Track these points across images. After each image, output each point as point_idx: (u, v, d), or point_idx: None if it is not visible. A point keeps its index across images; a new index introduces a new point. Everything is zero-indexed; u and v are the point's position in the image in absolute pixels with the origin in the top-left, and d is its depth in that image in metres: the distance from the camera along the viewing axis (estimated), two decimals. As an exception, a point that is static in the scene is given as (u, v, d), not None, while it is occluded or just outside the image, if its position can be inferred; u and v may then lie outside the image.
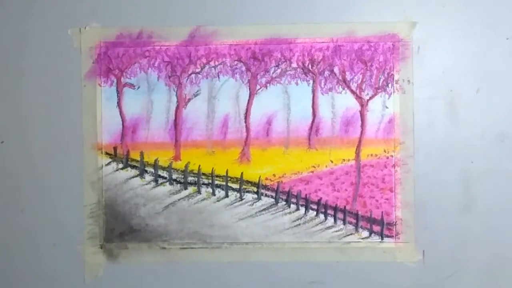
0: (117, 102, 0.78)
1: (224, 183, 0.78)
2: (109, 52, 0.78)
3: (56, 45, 0.78)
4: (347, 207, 0.77)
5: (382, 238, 0.77)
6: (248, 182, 0.78)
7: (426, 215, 0.76)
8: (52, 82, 0.78)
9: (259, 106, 0.77)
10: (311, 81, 0.77)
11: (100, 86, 0.78)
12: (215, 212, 0.78)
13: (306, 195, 0.78)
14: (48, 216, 0.78)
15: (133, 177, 0.79)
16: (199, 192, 0.78)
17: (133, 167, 0.79)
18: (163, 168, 0.78)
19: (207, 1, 0.77)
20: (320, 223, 0.78)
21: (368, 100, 0.77)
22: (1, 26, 0.78)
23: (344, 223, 0.77)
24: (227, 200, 0.78)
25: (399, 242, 0.77)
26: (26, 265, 0.79)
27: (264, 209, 0.78)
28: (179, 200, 0.78)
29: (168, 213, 0.78)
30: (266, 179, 0.78)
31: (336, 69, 0.77)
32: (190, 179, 0.78)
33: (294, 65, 0.77)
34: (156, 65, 0.78)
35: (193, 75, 0.78)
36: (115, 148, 0.79)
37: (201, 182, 0.78)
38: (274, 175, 0.78)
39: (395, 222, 0.77)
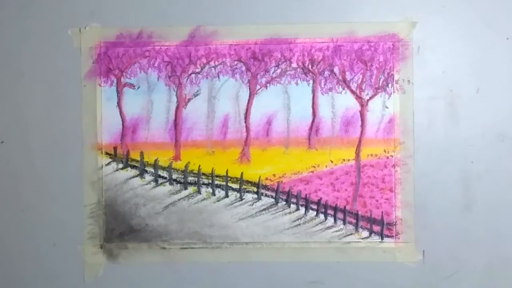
0: (117, 102, 0.78)
1: (224, 183, 0.78)
2: (109, 52, 0.78)
3: (56, 45, 0.78)
4: (347, 207, 0.77)
5: (382, 238, 0.77)
6: (248, 182, 0.78)
7: (426, 215, 0.76)
8: (52, 82, 0.78)
9: (259, 106, 0.77)
10: (311, 81, 0.77)
11: (100, 86, 0.78)
12: (215, 212, 0.78)
13: (306, 195, 0.78)
14: (48, 216, 0.78)
15: (133, 177, 0.79)
16: (199, 192, 0.78)
17: (133, 167, 0.79)
18: (163, 168, 0.78)
19: (207, 1, 0.77)
20: (320, 223, 0.78)
21: (368, 100, 0.77)
22: (1, 26, 0.78)
23: (344, 223, 0.77)
24: (227, 200, 0.78)
25: (399, 242, 0.77)
26: (26, 265, 0.79)
27: (264, 209, 0.78)
28: (179, 200, 0.78)
29: (168, 213, 0.78)
30: (266, 179, 0.78)
31: (336, 69, 0.77)
32: (190, 179, 0.78)
33: (294, 65, 0.77)
34: (156, 65, 0.78)
35: (193, 75, 0.78)
36: (115, 148, 0.79)
37: (201, 182, 0.78)
38: (274, 175, 0.78)
39: (395, 222, 0.77)
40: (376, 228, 0.77)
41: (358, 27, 0.76)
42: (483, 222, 0.76)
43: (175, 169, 0.78)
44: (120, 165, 0.79)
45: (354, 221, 0.77)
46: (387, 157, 0.77)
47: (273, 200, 0.78)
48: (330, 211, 0.77)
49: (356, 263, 0.77)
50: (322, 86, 0.77)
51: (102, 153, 0.78)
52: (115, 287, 0.79)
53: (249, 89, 0.78)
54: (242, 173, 0.78)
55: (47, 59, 0.78)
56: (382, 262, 0.77)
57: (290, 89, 0.77)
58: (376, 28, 0.76)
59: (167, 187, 0.79)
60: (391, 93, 0.77)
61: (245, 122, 0.78)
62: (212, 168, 0.78)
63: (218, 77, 0.78)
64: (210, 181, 0.78)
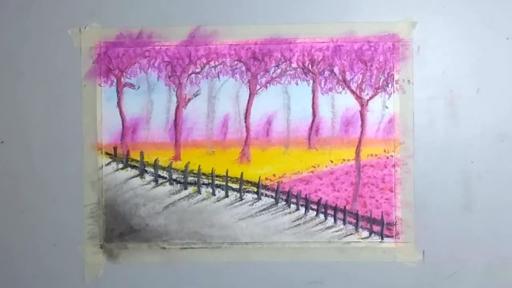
0: (117, 102, 0.78)
1: (224, 183, 0.78)
2: (109, 52, 0.78)
3: (56, 45, 0.78)
4: (347, 207, 0.77)
5: (382, 238, 0.77)
6: (248, 182, 0.78)
7: (426, 215, 0.76)
8: (52, 82, 0.78)
9: (259, 106, 0.77)
10: (311, 81, 0.77)
11: (100, 86, 0.78)
12: (215, 212, 0.78)
13: (306, 195, 0.78)
14: (48, 216, 0.78)
15: (133, 177, 0.79)
16: (199, 192, 0.78)
17: (133, 167, 0.79)
18: (163, 168, 0.78)
19: (207, 1, 0.77)
20: (320, 223, 0.78)
21: (368, 100, 0.77)
22: (1, 26, 0.78)
23: (344, 223, 0.77)
24: (227, 200, 0.78)
25: (399, 242, 0.77)
26: (26, 265, 0.79)
27: (264, 209, 0.78)
28: (179, 200, 0.78)
29: (168, 213, 0.78)
30: (266, 179, 0.78)
31: (336, 69, 0.77)
32: (190, 179, 0.78)
33: (294, 65, 0.77)
34: (156, 65, 0.78)
35: (193, 75, 0.78)
36: (115, 148, 0.79)
37: (201, 182, 0.78)
38: (274, 175, 0.78)
39: (395, 222, 0.77)
40: (376, 228, 0.77)
41: (358, 27, 0.76)
42: (483, 222, 0.76)
43: (175, 169, 0.78)
44: (120, 165, 0.79)
45: (354, 221, 0.77)
46: (387, 157, 0.77)
47: (273, 200, 0.78)
48: (330, 211, 0.77)
49: (356, 263, 0.77)
50: (322, 86, 0.77)
51: (102, 153, 0.78)
52: (115, 287, 0.79)
53: (249, 89, 0.78)
54: (242, 173, 0.78)
55: (47, 59, 0.78)
56: (382, 262, 0.77)
57: (290, 89, 0.77)
58: (376, 28, 0.76)
59: (167, 187, 0.79)
60: (391, 93, 0.77)
61: (245, 122, 0.78)
62: (212, 168, 0.78)
63: (218, 77, 0.78)
64: (210, 181, 0.78)
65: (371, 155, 0.77)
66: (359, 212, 0.77)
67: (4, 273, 0.79)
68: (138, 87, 0.78)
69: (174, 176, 0.78)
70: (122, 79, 0.78)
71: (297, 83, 0.77)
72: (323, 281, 0.78)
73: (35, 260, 0.79)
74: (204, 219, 0.78)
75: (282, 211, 0.78)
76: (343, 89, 0.77)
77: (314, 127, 0.77)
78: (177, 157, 0.78)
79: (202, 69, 0.78)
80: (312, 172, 0.77)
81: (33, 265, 0.79)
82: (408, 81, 0.76)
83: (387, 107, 0.77)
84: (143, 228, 0.78)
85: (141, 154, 0.78)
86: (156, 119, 0.78)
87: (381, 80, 0.77)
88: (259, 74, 0.77)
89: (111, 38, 0.78)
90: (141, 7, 0.78)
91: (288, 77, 0.77)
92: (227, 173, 0.78)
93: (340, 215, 0.77)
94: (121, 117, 0.78)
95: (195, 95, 0.78)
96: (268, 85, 0.77)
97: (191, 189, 0.78)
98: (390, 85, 0.77)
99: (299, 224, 0.78)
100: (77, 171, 0.78)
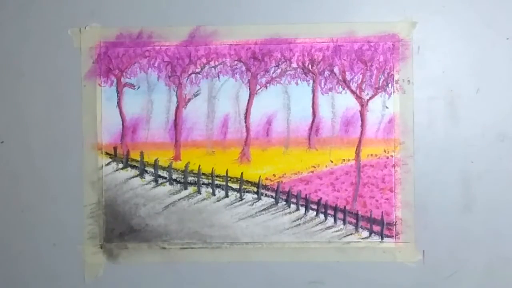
0: (117, 102, 0.78)
1: (224, 183, 0.78)
2: (109, 52, 0.78)
3: (56, 45, 0.78)
4: (347, 207, 0.77)
5: (382, 238, 0.77)
6: (248, 182, 0.78)
7: (426, 215, 0.76)
8: (52, 82, 0.78)
9: (259, 106, 0.77)
10: (311, 81, 0.77)
11: (100, 86, 0.78)
12: (215, 212, 0.78)
13: (306, 195, 0.78)
14: (48, 216, 0.78)
15: (133, 177, 0.79)
16: (199, 192, 0.78)
17: (133, 167, 0.79)
18: (163, 168, 0.78)
19: (207, 1, 0.77)
20: (320, 223, 0.78)
21: (368, 100, 0.77)
22: (1, 26, 0.78)
23: (344, 223, 0.77)
24: (227, 200, 0.78)
25: (399, 242, 0.77)
26: (26, 265, 0.79)
27: (264, 209, 0.78)
28: (179, 200, 0.78)
29: (168, 213, 0.78)
30: (266, 179, 0.78)
31: (336, 69, 0.77)
32: (190, 179, 0.78)
33: (294, 65, 0.77)
34: (156, 65, 0.78)
35: (193, 75, 0.78)
36: (115, 148, 0.79)
37: (201, 182, 0.78)
38: (274, 175, 0.78)
39: (395, 222, 0.77)
40: (376, 228, 0.77)
41: (358, 27, 0.76)
42: (483, 222, 0.76)
43: (175, 169, 0.78)
44: (120, 165, 0.79)
45: (354, 221, 0.77)
46: (387, 157, 0.77)
47: (273, 200, 0.78)
48: (330, 211, 0.77)
49: (356, 263, 0.77)
50: (322, 86, 0.77)
51: (102, 153, 0.78)
52: (115, 287, 0.79)
53: (249, 89, 0.78)
54: (242, 173, 0.78)
55: (47, 59, 0.78)
56: (382, 262, 0.77)
57: (290, 89, 0.77)
58: (376, 28, 0.76)
59: (167, 187, 0.79)
60: (391, 93, 0.77)
61: (245, 122, 0.78)
62: (212, 168, 0.78)
63: (218, 77, 0.78)
64: (210, 181, 0.78)
65: (371, 155, 0.77)
66: (359, 212, 0.77)
67: (4, 273, 0.79)
68: (138, 87, 0.78)
69: (174, 176, 0.78)
70: (122, 79, 0.78)
71: (297, 83, 0.77)
72: (323, 281, 0.78)
73: (35, 260, 0.79)
74: (204, 219, 0.78)
75: (282, 211, 0.78)
76: (343, 89, 0.77)
77: (314, 127, 0.77)
78: (177, 157, 0.78)
79: (202, 69, 0.78)
80: (312, 172, 0.77)
81: (33, 265, 0.79)
82: (408, 81, 0.76)
83: (387, 107, 0.77)
84: (143, 228, 0.78)
85: (141, 154, 0.78)
86: (156, 119, 0.78)
87: (381, 80, 0.77)
88: (259, 74, 0.77)
89: (111, 38, 0.78)
90: (141, 7, 0.78)
91: (288, 77, 0.77)
92: (227, 173, 0.78)
93: (340, 215, 0.77)
94: (121, 117, 0.78)
95: (195, 95, 0.78)
96: (268, 85, 0.77)
97: (191, 189, 0.78)
98: (390, 85, 0.77)
99: (299, 224, 0.78)
100: (77, 171, 0.78)
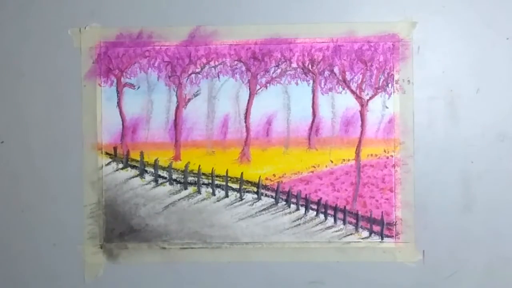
0: (117, 102, 0.78)
1: (224, 183, 0.78)
2: (109, 52, 0.78)
3: (56, 45, 0.78)
4: (347, 207, 0.77)
5: (382, 238, 0.77)
6: (248, 182, 0.78)
7: (426, 215, 0.76)
8: (52, 82, 0.78)
9: (259, 106, 0.77)
10: (311, 81, 0.77)
11: (100, 86, 0.78)
12: (215, 212, 0.78)
13: (306, 195, 0.78)
14: (48, 216, 0.78)
15: (133, 177, 0.79)
16: (199, 192, 0.78)
17: (133, 167, 0.79)
18: (163, 168, 0.78)
19: (207, 1, 0.77)
20: (320, 223, 0.78)
21: (368, 100, 0.77)
22: (1, 26, 0.78)
23: (344, 223, 0.77)
24: (227, 200, 0.78)
25: (399, 242, 0.77)
26: (26, 265, 0.79)
27: (264, 209, 0.78)
28: (179, 200, 0.78)
29: (168, 213, 0.78)
30: (266, 179, 0.78)
31: (336, 69, 0.77)
32: (190, 179, 0.78)
33: (294, 65, 0.77)
34: (156, 65, 0.78)
35: (193, 75, 0.78)
36: (115, 148, 0.79)
37: (201, 182, 0.78)
38: (274, 175, 0.78)
39: (395, 222, 0.77)
40: (376, 228, 0.77)
41: (358, 27, 0.76)
42: (483, 222, 0.76)
43: (175, 169, 0.78)
44: (120, 165, 0.79)
45: (354, 221, 0.77)
46: (387, 157, 0.77)
47: (273, 200, 0.78)
48: (330, 211, 0.77)
49: (356, 263, 0.77)
50: (322, 86, 0.77)
51: (102, 153, 0.78)
52: (115, 287, 0.79)
53: (249, 89, 0.78)
54: (242, 173, 0.78)
55: (47, 59, 0.78)
56: (382, 262, 0.77)
57: (290, 89, 0.77)
58: (376, 28, 0.76)
59: (167, 187, 0.79)
60: (391, 93, 0.77)
61: (245, 122, 0.78)
62: (212, 168, 0.78)
63: (218, 77, 0.78)
64: (210, 181, 0.78)
65: (371, 155, 0.77)
66: (359, 212, 0.77)
67: (4, 273, 0.79)
68: (138, 87, 0.78)
69: (174, 176, 0.78)
70: (122, 79, 0.78)
71: (297, 83, 0.77)
72: (323, 281, 0.78)
73: (35, 260, 0.79)
74: (204, 219, 0.78)
75: (282, 211, 0.78)
76: (343, 89, 0.77)
77: (314, 127, 0.77)
78: (177, 157, 0.78)
79: (202, 69, 0.78)
80: (312, 172, 0.77)
81: (33, 265, 0.79)
82: (408, 81, 0.76)
83: (387, 107, 0.77)
84: (143, 228, 0.78)
85: (141, 154, 0.78)
86: (156, 119, 0.78)
87: (381, 80, 0.77)
88: (259, 74, 0.77)
89: (111, 38, 0.78)
90: (141, 7, 0.78)
91: (288, 77, 0.77)
92: (227, 173, 0.78)
93: (340, 215, 0.77)
94: (121, 117, 0.78)
95: (195, 95, 0.78)
96: (268, 85, 0.77)
97: (191, 189, 0.78)
98: (390, 85, 0.77)
99: (299, 224, 0.78)
100: (77, 171, 0.78)
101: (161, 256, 0.78)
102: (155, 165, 0.78)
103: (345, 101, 0.77)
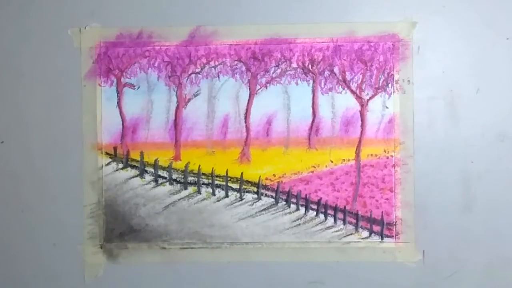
0: (117, 102, 0.78)
1: (224, 183, 0.78)
2: (109, 52, 0.78)
3: (56, 45, 0.78)
4: (347, 207, 0.77)
5: (382, 238, 0.77)
6: (248, 182, 0.78)
7: (426, 215, 0.76)
8: (52, 82, 0.78)
9: (259, 106, 0.77)
10: (311, 81, 0.77)
11: (100, 86, 0.78)
12: (215, 212, 0.78)
13: (306, 195, 0.78)
14: (48, 216, 0.78)
15: (133, 177, 0.79)
16: (199, 192, 0.78)
17: (133, 167, 0.79)
18: (163, 168, 0.78)
19: (207, 1, 0.77)
20: (320, 223, 0.78)
21: (368, 100, 0.77)
22: (1, 26, 0.78)
23: (344, 223, 0.77)
24: (227, 200, 0.78)
25: (399, 242, 0.77)
26: (26, 265, 0.79)
27: (264, 209, 0.78)
28: (179, 200, 0.78)
29: (168, 213, 0.78)
30: (266, 179, 0.78)
31: (336, 69, 0.77)
32: (190, 179, 0.78)
33: (294, 65, 0.77)
34: (156, 65, 0.78)
35: (193, 75, 0.78)
36: (115, 148, 0.79)
37: (201, 182, 0.78)
38: (274, 175, 0.78)
39: (395, 222, 0.77)
40: (376, 228, 0.77)
41: (358, 27, 0.76)
42: (483, 222, 0.76)
43: (175, 169, 0.78)
44: (120, 165, 0.79)
45: (354, 221, 0.77)
46: (387, 157, 0.77)
47: (273, 200, 0.78)
48: (330, 211, 0.77)
49: (356, 263, 0.77)
50: (322, 86, 0.77)
51: (102, 153, 0.78)
52: (115, 287, 0.79)
53: (249, 89, 0.78)
54: (242, 173, 0.78)
55: (47, 59, 0.78)
56: (382, 262, 0.77)
57: (290, 89, 0.77)
58: (376, 28, 0.76)
59: (167, 187, 0.79)
60: (391, 93, 0.77)
61: (245, 122, 0.78)
62: (212, 168, 0.78)
63: (218, 77, 0.78)
64: (210, 181, 0.78)
65: (371, 155, 0.77)
66: (359, 212, 0.77)
67: (4, 273, 0.79)
68: (138, 87, 0.78)
69: (174, 176, 0.78)
70: (122, 79, 0.78)
71: (297, 83, 0.77)
72: (323, 281, 0.78)
73: (35, 260, 0.79)
74: (204, 219, 0.78)
75: (282, 211, 0.78)
76: (343, 89, 0.77)
77: (314, 127, 0.77)
78: (177, 157, 0.78)
79: (202, 69, 0.78)
80: (312, 172, 0.77)
81: (33, 265, 0.79)
82: (408, 81, 0.76)
83: (387, 107, 0.77)
84: (143, 228, 0.78)
85: (141, 154, 0.78)
86: (156, 119, 0.78)
87: (381, 80, 0.77)
88: (259, 74, 0.77)
89: (111, 38, 0.78)
90: (141, 7, 0.78)
91: (288, 77, 0.77)
92: (227, 173, 0.78)
93: (340, 215, 0.77)
94: (121, 117, 0.78)
95: (195, 95, 0.78)
96: (268, 85, 0.77)
97: (191, 189, 0.78)
98: (390, 85, 0.77)
99: (299, 224, 0.78)
100: (77, 171, 0.78)
101: (161, 256, 0.78)
102: (155, 165, 0.78)
103: (345, 101, 0.77)
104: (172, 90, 0.78)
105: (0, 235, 0.79)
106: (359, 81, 0.77)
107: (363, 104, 0.77)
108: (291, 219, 0.78)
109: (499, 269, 0.76)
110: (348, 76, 0.77)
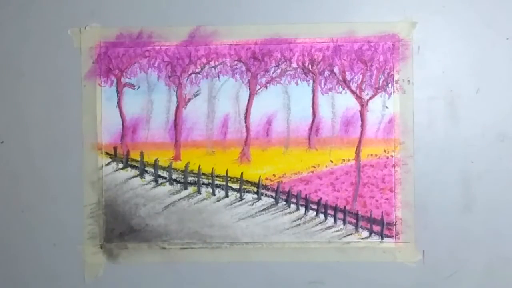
0: (117, 102, 0.78)
1: (224, 183, 0.78)
2: (109, 52, 0.78)
3: (56, 45, 0.78)
4: (347, 207, 0.77)
5: (382, 238, 0.77)
6: (248, 182, 0.78)
7: (426, 215, 0.76)
8: (52, 82, 0.78)
9: (259, 106, 0.77)
10: (311, 81, 0.77)
11: (100, 86, 0.78)
12: (215, 212, 0.78)
13: (306, 195, 0.78)
14: (48, 216, 0.78)
15: (133, 177, 0.79)
16: (199, 192, 0.78)
17: (133, 167, 0.79)
18: (163, 168, 0.78)
19: (207, 1, 0.77)
20: (320, 223, 0.78)
21: (368, 100, 0.77)
22: (1, 26, 0.78)
23: (344, 223, 0.77)
24: (227, 200, 0.78)
25: (399, 242, 0.77)
26: (26, 265, 0.79)
27: (264, 209, 0.78)
28: (179, 200, 0.78)
29: (168, 213, 0.78)
30: (266, 179, 0.78)
31: (336, 69, 0.77)
32: (190, 179, 0.78)
33: (294, 65, 0.77)
34: (156, 65, 0.78)
35: (193, 75, 0.78)
36: (115, 148, 0.79)
37: (201, 182, 0.78)
38: (274, 175, 0.78)
39: (395, 222, 0.77)
40: (376, 228, 0.77)
41: (358, 27, 0.76)
42: (483, 222, 0.76)
43: (175, 169, 0.78)
44: (120, 165, 0.79)
45: (354, 221, 0.77)
46: (387, 157, 0.77)
47: (273, 200, 0.78)
48: (330, 211, 0.77)
49: (356, 263, 0.77)
50: (322, 86, 0.77)
51: (102, 153, 0.78)
52: (115, 287, 0.79)
53: (249, 89, 0.78)
54: (242, 173, 0.78)
55: (47, 59, 0.78)
56: (382, 262, 0.77)
57: (290, 89, 0.77)
58: (376, 28, 0.76)
59: (167, 187, 0.79)
60: (391, 93, 0.77)
61: (245, 122, 0.78)
62: (212, 168, 0.78)
63: (218, 77, 0.78)
64: (210, 181, 0.78)
65: (371, 155, 0.77)
66: (359, 212, 0.77)
67: (4, 273, 0.79)
68: (138, 87, 0.78)
69: (174, 176, 0.78)
70: (122, 79, 0.78)
71: (297, 83, 0.77)
72: (323, 281, 0.78)
73: (35, 260, 0.79)
74: (204, 219, 0.78)
75: (282, 211, 0.78)
76: (343, 89, 0.77)
77: (314, 127, 0.77)
78: (177, 157, 0.78)
79: (202, 69, 0.78)
80: (312, 172, 0.77)
81: (33, 265, 0.79)
82: (408, 81, 0.76)
83: (387, 107, 0.77)
84: (143, 228, 0.78)
85: (141, 154, 0.78)
86: (156, 119, 0.78)
87: (381, 80, 0.77)
88: (259, 74, 0.77)
89: (111, 38, 0.78)
90: (141, 7, 0.78)
91: (288, 77, 0.77)
92: (227, 173, 0.78)
93: (340, 215, 0.77)
94: (121, 117, 0.78)
95: (195, 95, 0.78)
96: (268, 85, 0.77)
97: (191, 189, 0.78)
98: (390, 85, 0.77)
99: (299, 224, 0.78)
100: (77, 171, 0.78)
101: (161, 256, 0.78)
102: (155, 165, 0.78)
103: (345, 101, 0.77)
104: (172, 90, 0.78)
105: (0, 235, 0.79)
106: (359, 81, 0.77)
107: (363, 104, 0.77)
108: (291, 219, 0.78)
109: (499, 269, 0.76)
110: (348, 76, 0.77)
